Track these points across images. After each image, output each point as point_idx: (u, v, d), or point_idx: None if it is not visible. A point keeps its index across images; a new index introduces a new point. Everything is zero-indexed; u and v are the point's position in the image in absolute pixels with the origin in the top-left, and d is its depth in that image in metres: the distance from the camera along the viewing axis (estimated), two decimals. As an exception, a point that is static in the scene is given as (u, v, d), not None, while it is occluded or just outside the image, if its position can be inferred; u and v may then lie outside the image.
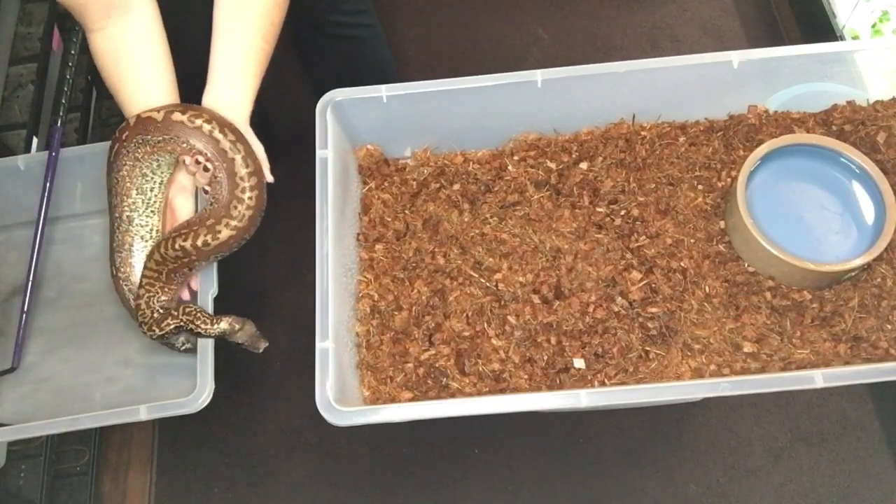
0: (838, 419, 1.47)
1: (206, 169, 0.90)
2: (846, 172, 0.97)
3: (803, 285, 0.94)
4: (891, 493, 1.40)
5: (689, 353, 0.91)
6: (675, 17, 1.97)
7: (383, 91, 1.00)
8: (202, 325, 0.91)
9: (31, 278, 1.08)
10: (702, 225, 0.99)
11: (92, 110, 1.71)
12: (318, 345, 0.86)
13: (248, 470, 1.50)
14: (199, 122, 0.88)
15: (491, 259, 1.00)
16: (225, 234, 0.89)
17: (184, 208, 0.98)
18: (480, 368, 0.93)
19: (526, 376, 0.92)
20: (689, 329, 0.92)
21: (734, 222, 0.95)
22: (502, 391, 0.91)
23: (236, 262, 1.77)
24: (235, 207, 0.89)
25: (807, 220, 0.95)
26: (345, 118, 1.02)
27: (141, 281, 0.94)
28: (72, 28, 1.34)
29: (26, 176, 1.11)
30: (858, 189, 0.96)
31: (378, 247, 1.02)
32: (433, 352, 0.94)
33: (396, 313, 0.97)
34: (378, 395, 0.93)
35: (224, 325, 0.91)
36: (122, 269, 0.98)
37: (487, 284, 0.98)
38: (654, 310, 0.93)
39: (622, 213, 1.01)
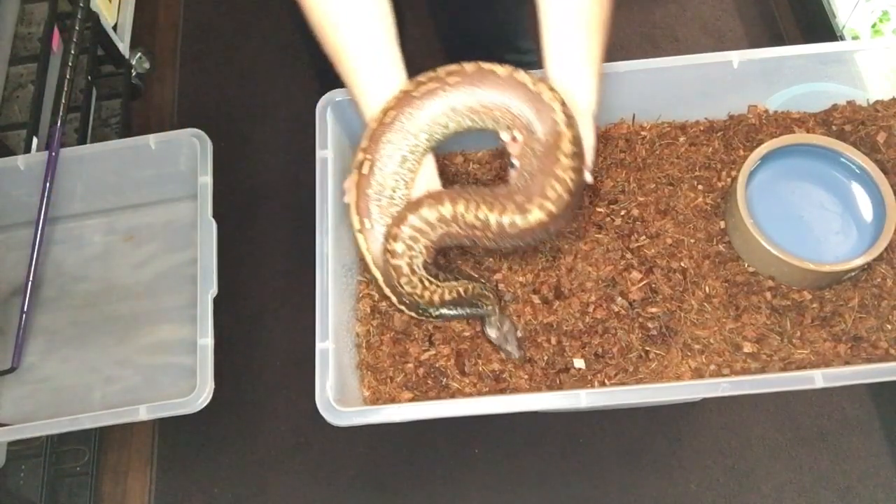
0: (838, 419, 1.47)
1: (514, 138, 0.77)
2: (846, 172, 0.97)
3: (803, 285, 0.94)
4: (891, 492, 1.40)
5: (689, 353, 0.91)
6: (675, 17, 1.97)
7: (383, 91, 1.00)
8: (486, 303, 0.82)
9: (30, 278, 1.08)
10: (702, 225, 0.99)
11: (92, 110, 1.70)
12: (318, 345, 0.86)
13: (249, 470, 1.50)
14: (543, 87, 0.76)
15: (491, 259, 0.99)
16: (535, 217, 0.74)
17: (421, 184, 0.82)
18: (480, 368, 0.93)
19: (526, 376, 0.92)
20: (689, 329, 0.92)
21: (734, 222, 0.95)
22: (502, 391, 0.91)
23: (236, 262, 1.77)
24: (553, 188, 0.74)
25: (807, 220, 0.95)
26: (345, 118, 1.02)
27: (396, 233, 0.77)
28: (72, 28, 1.34)
29: (26, 176, 1.11)
30: (858, 189, 0.96)
31: (378, 247, 1.02)
32: (433, 352, 0.94)
33: (396, 313, 0.97)
34: (378, 395, 0.93)
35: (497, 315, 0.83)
36: (380, 220, 0.79)
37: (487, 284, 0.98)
38: (654, 310, 0.93)
39: (622, 213, 1.01)
